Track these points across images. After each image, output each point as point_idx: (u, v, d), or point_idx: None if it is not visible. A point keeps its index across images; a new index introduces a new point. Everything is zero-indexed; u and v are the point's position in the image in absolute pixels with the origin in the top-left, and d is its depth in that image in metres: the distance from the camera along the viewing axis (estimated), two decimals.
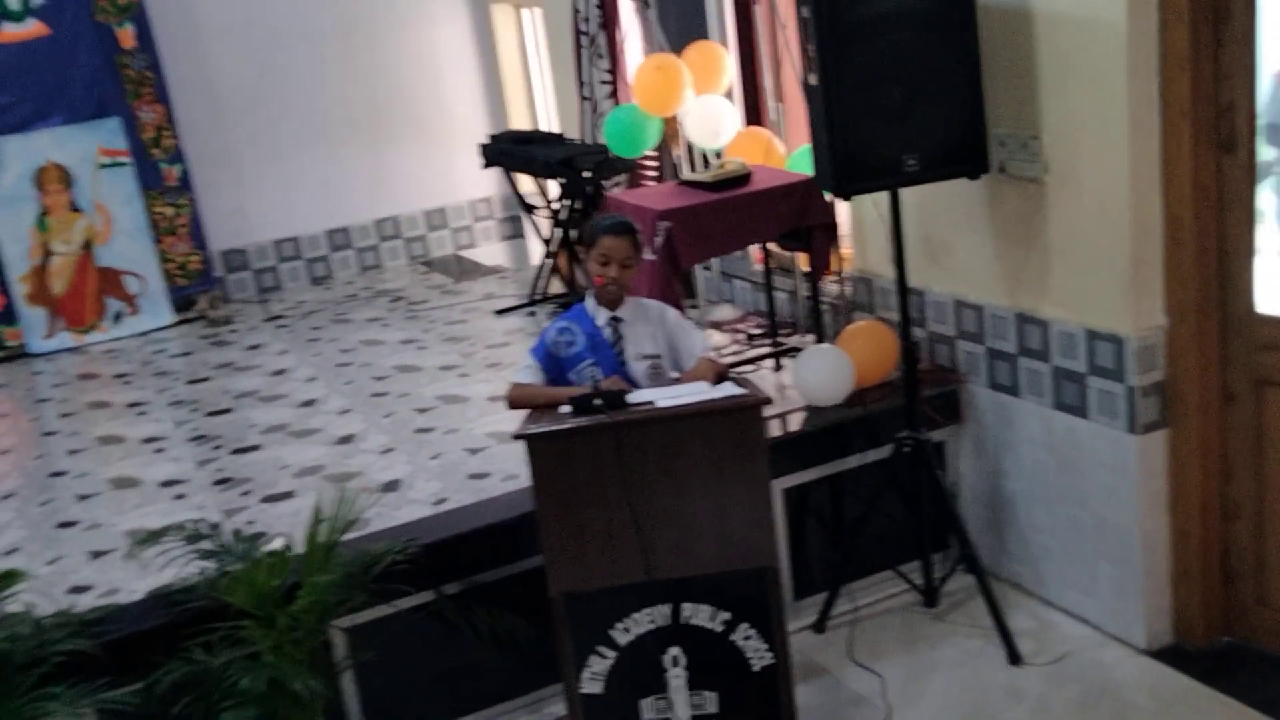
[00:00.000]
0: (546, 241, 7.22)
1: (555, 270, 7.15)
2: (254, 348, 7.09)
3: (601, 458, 3.30)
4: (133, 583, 3.97)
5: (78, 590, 4.08)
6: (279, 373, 6.48)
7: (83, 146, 7.57)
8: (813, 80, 4.04)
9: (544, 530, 3.38)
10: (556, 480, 3.34)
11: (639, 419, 3.31)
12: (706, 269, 6.43)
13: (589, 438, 3.30)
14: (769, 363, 5.46)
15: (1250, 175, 3.76)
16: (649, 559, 3.34)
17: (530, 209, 7.60)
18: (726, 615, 3.42)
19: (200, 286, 8.09)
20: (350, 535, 3.78)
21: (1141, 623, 4.23)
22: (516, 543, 4.08)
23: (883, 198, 4.28)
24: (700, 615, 3.42)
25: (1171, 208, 3.87)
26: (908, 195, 4.30)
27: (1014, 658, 4.25)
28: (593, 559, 3.37)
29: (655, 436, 3.32)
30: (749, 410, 3.34)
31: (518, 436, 3.35)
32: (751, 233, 5.06)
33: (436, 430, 5.27)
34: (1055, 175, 4.14)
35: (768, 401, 3.42)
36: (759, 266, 5.85)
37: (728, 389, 3.48)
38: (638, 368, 3.77)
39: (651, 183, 6.84)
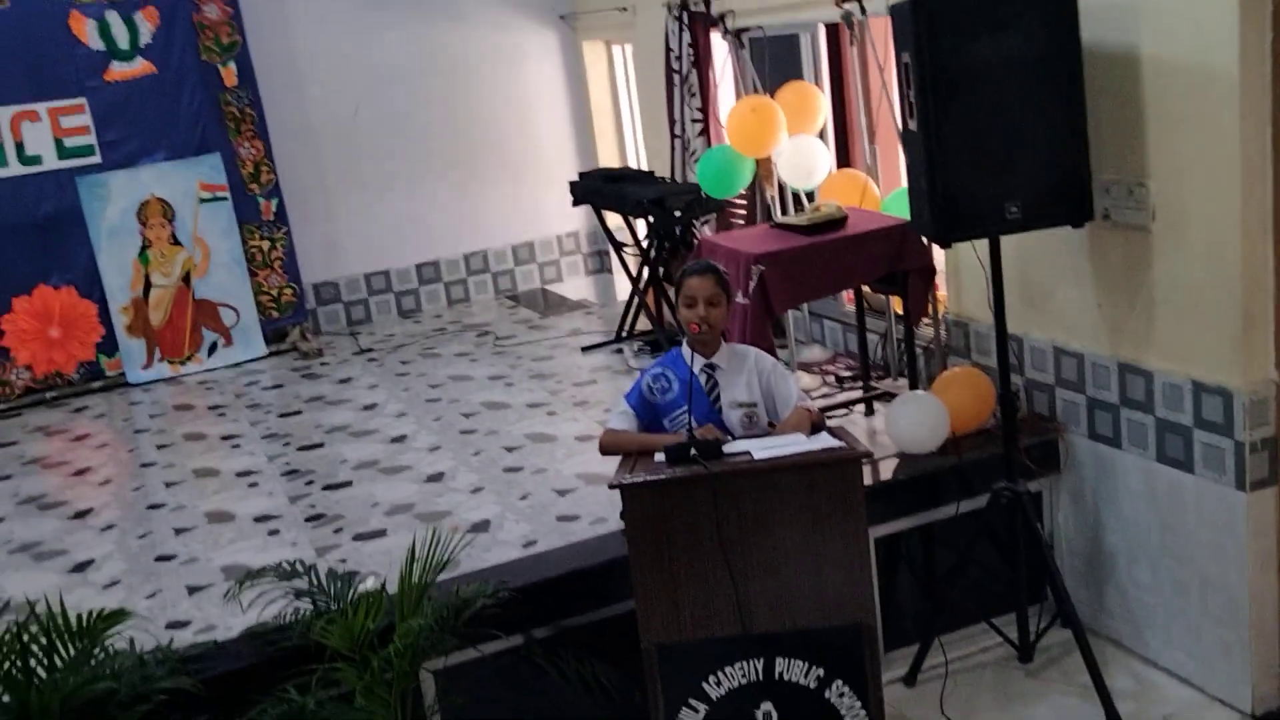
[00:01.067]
0: (634, 279, 7.22)
1: (642, 307, 7.15)
2: (344, 381, 7.18)
3: (697, 509, 3.28)
4: (229, 619, 4.02)
5: (176, 625, 4.14)
6: (369, 407, 6.55)
7: (184, 181, 7.76)
8: (913, 126, 4.00)
9: (637, 580, 3.35)
10: (651, 530, 3.32)
11: (735, 470, 3.28)
12: (797, 309, 6.38)
13: (685, 488, 3.28)
14: (860, 407, 5.39)
15: None
16: (743, 612, 3.31)
17: (619, 246, 7.61)
18: (820, 671, 3.37)
19: (293, 319, 8.23)
20: (441, 576, 3.79)
21: (1249, 685, 4.09)
22: (606, 588, 4.06)
23: (983, 243, 4.22)
24: (794, 671, 3.37)
25: None
26: (1008, 240, 4.23)
27: (1112, 717, 4.13)
28: (686, 610, 3.34)
29: (751, 488, 3.29)
30: (848, 464, 3.29)
31: (614, 486, 3.34)
32: (846, 277, 5.02)
33: (525, 470, 5.28)
34: (1162, 223, 4.04)
35: (868, 455, 3.39)
36: (850, 307, 5.79)
37: (824, 440, 3.44)
38: (733, 415, 3.75)
39: (741, 222, 6.81)
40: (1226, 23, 3.63)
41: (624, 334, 7.26)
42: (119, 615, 3.35)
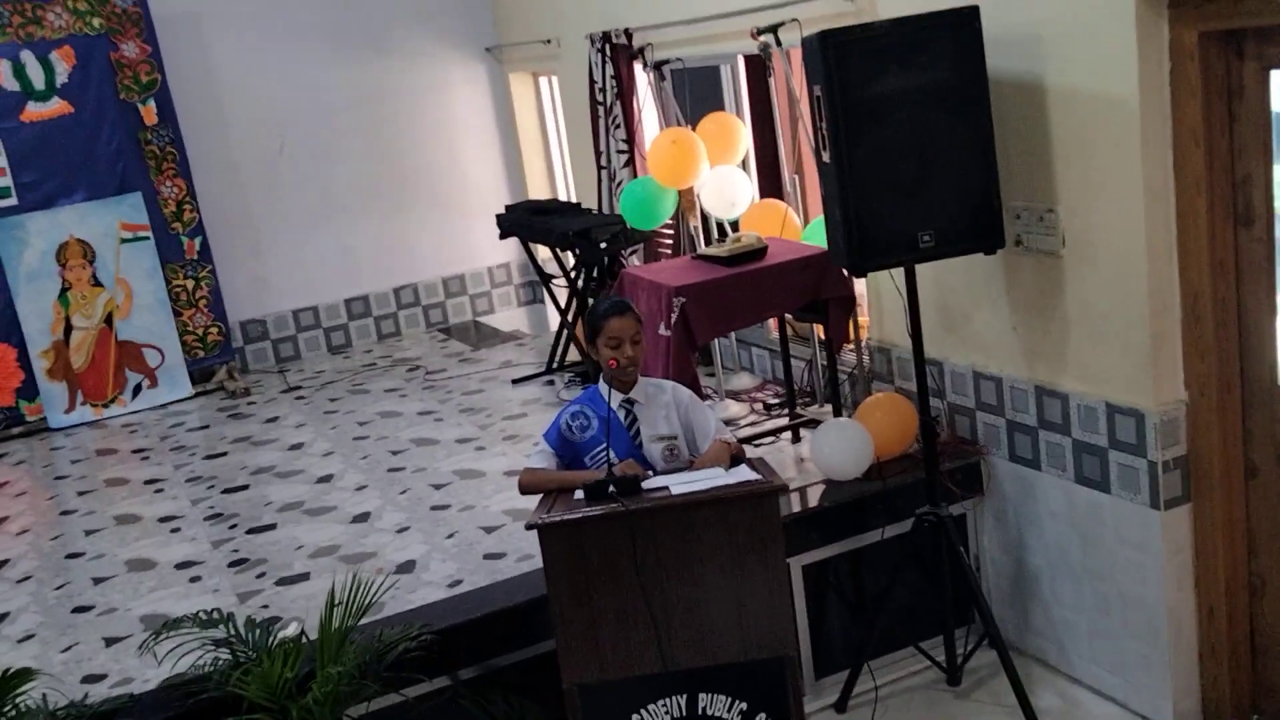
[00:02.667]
0: (563, 311, 7.22)
1: (572, 339, 7.14)
2: (271, 420, 7.09)
3: (616, 546, 3.26)
4: (146, 671, 3.93)
5: (92, 679, 4.05)
6: (296, 446, 6.47)
7: (105, 222, 7.65)
8: (826, 157, 4.04)
9: (557, 620, 3.33)
10: (570, 569, 3.30)
11: (653, 507, 3.27)
12: (724, 337, 6.40)
13: (602, 526, 3.26)
14: (787, 434, 5.42)
15: (1269, 248, 3.72)
16: (665, 649, 3.29)
17: (547, 279, 7.61)
18: (744, 705, 3.36)
19: (219, 358, 8.13)
20: (365, 620, 3.74)
21: (1169, 700, 4.15)
22: (533, 626, 4.03)
23: (900, 271, 4.26)
24: (717, 706, 3.36)
25: (1189, 281, 3.84)
26: (924, 266, 4.28)
27: None
28: (607, 649, 3.32)
29: (670, 524, 3.28)
30: (765, 497, 3.29)
31: (530, 526, 3.32)
32: (767, 307, 5.04)
33: (452, 507, 5.24)
34: (1072, 248, 4.11)
35: (784, 489, 3.39)
36: (776, 334, 5.82)
37: (743, 473, 3.44)
38: (654, 449, 3.75)
39: (667, 252, 6.84)
40: (1125, 52, 3.71)
41: (554, 365, 7.25)
42: (26, 674, 3.28)
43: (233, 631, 3.73)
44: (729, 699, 3.35)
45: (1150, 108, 3.72)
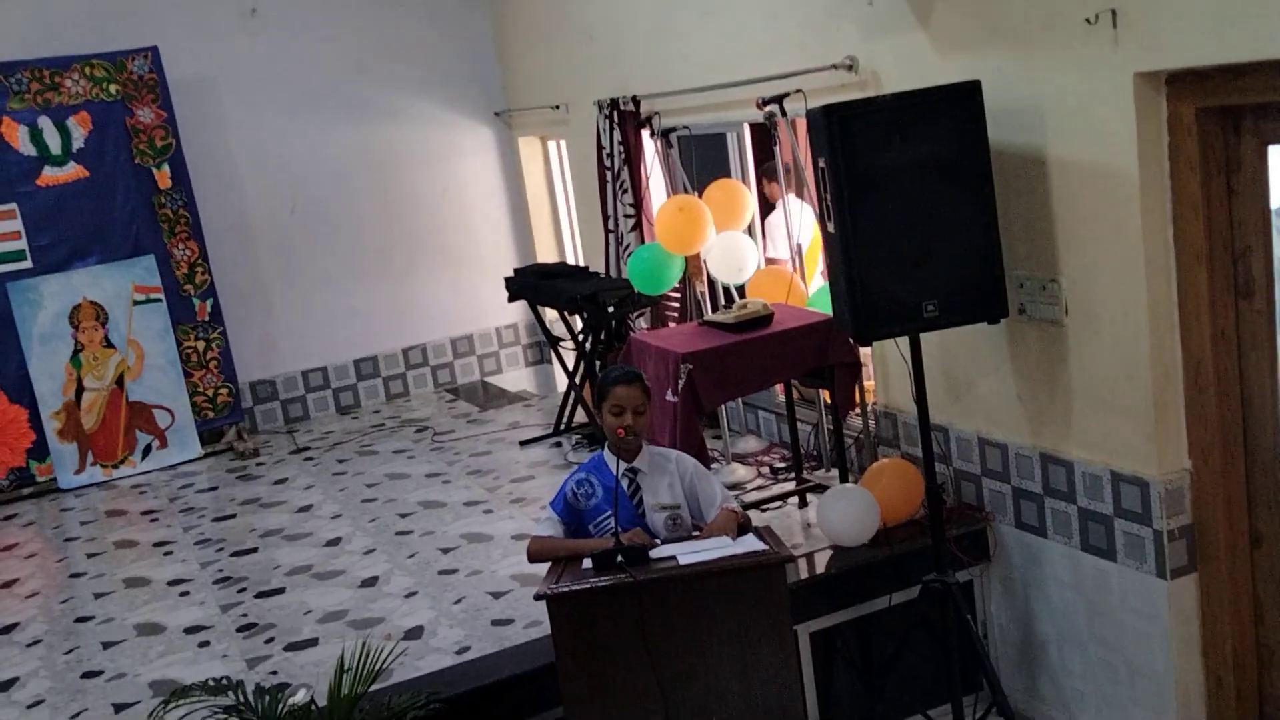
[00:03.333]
0: (570, 374, 7.27)
1: (579, 401, 7.18)
2: (280, 482, 7.12)
3: (624, 617, 3.28)
4: None
5: None
6: (304, 509, 6.49)
7: (117, 284, 7.73)
8: (831, 228, 4.10)
9: (566, 691, 3.35)
10: (578, 640, 3.32)
11: (661, 577, 3.29)
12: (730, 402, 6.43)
13: (611, 597, 3.29)
14: (794, 499, 5.44)
15: (1270, 319, 3.77)
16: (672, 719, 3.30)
17: (555, 341, 7.67)
18: None
19: (229, 419, 8.17)
20: (373, 687, 3.75)
21: None
22: (541, 694, 4.02)
23: (905, 339, 4.30)
24: None
25: (1192, 351, 3.88)
26: (929, 334, 4.32)
27: None
28: (615, 718, 3.33)
29: (678, 595, 3.31)
30: (773, 568, 3.31)
31: (539, 597, 3.34)
32: (774, 373, 5.08)
33: (460, 572, 5.25)
34: (1075, 318, 4.16)
35: (791, 559, 3.41)
36: (782, 398, 5.86)
37: (750, 543, 3.47)
38: (656, 519, 3.77)
39: (674, 315, 6.89)
40: (1124, 125, 3.78)
41: (562, 428, 7.28)
42: None
43: (241, 699, 3.73)
44: None
45: (1150, 180, 3.79)
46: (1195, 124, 3.70)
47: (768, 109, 5.32)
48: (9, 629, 5.30)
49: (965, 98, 3.95)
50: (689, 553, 3.41)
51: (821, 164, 4.07)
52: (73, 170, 7.63)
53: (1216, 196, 3.75)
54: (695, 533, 3.74)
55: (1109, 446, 4.13)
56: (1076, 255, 4.10)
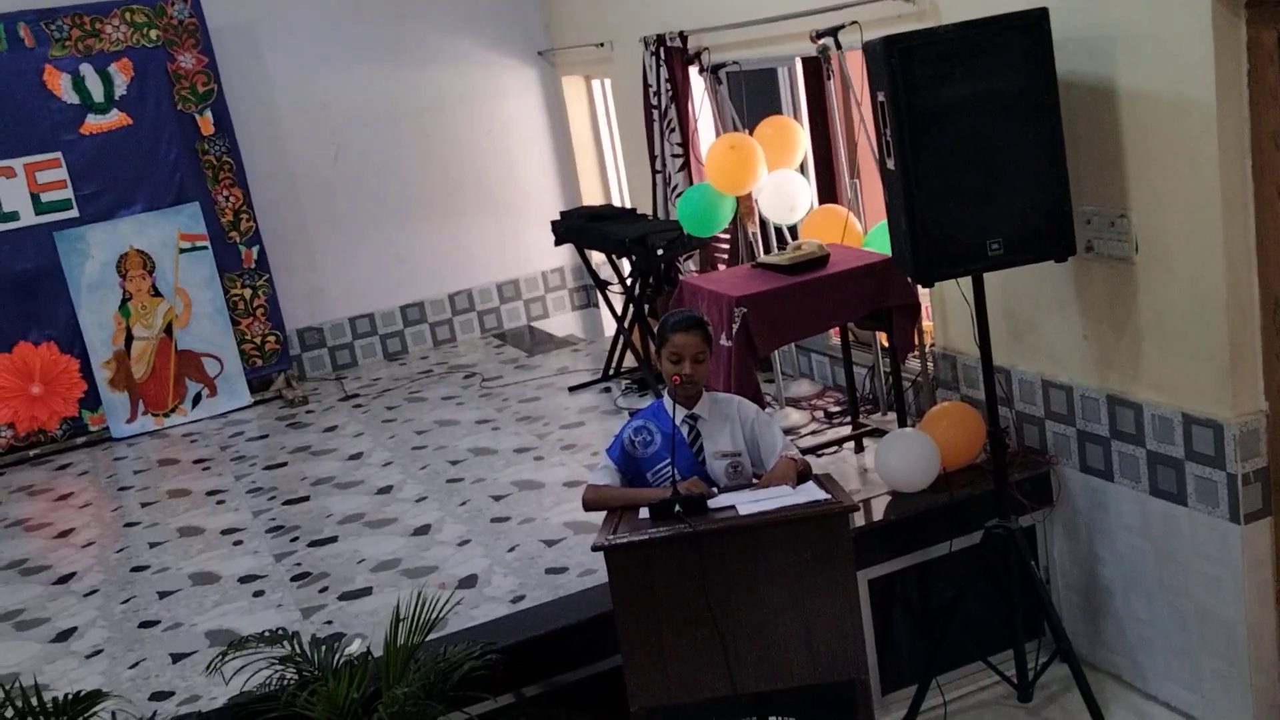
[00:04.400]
0: (619, 318, 7.18)
1: (628, 346, 7.10)
2: (330, 429, 7.11)
3: (683, 568, 3.22)
4: (213, 689, 3.94)
5: (159, 696, 4.06)
6: (355, 456, 6.48)
7: (163, 232, 7.71)
8: (891, 165, 3.96)
9: (624, 643, 3.29)
10: (637, 592, 3.26)
11: (721, 528, 3.21)
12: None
13: (670, 548, 3.22)
14: (850, 445, 5.34)
15: None
16: (733, 672, 3.24)
17: (603, 285, 7.57)
18: None
19: (277, 366, 8.17)
20: (428, 638, 3.72)
21: (1250, 718, 4.02)
22: (597, 643, 3.99)
23: (966, 279, 4.17)
24: None
25: (1270, 289, 3.73)
26: (992, 274, 4.18)
27: None
28: (675, 672, 3.28)
29: (738, 545, 3.23)
30: (835, 518, 3.23)
31: (597, 548, 3.28)
32: (830, 316, 4.97)
33: (512, 519, 5.21)
34: (1146, 255, 4.01)
35: (854, 508, 3.32)
36: (836, 340, 5.75)
37: (811, 491, 3.38)
38: (717, 466, 3.69)
39: (724, 259, 6.78)
40: (1202, 53, 3.60)
41: (611, 373, 7.21)
42: (95, 696, 3.29)
43: (298, 650, 3.72)
44: None
45: (1228, 110, 3.61)
46: (1277, 50, 3.52)
47: (821, 42, 5.16)
48: (67, 578, 5.34)
49: (1032, 26, 3.78)
50: (749, 502, 3.33)
51: (881, 98, 3.93)
52: (116, 118, 7.59)
53: None
54: (755, 480, 3.66)
55: (1180, 388, 4.00)
56: (1147, 190, 3.94)
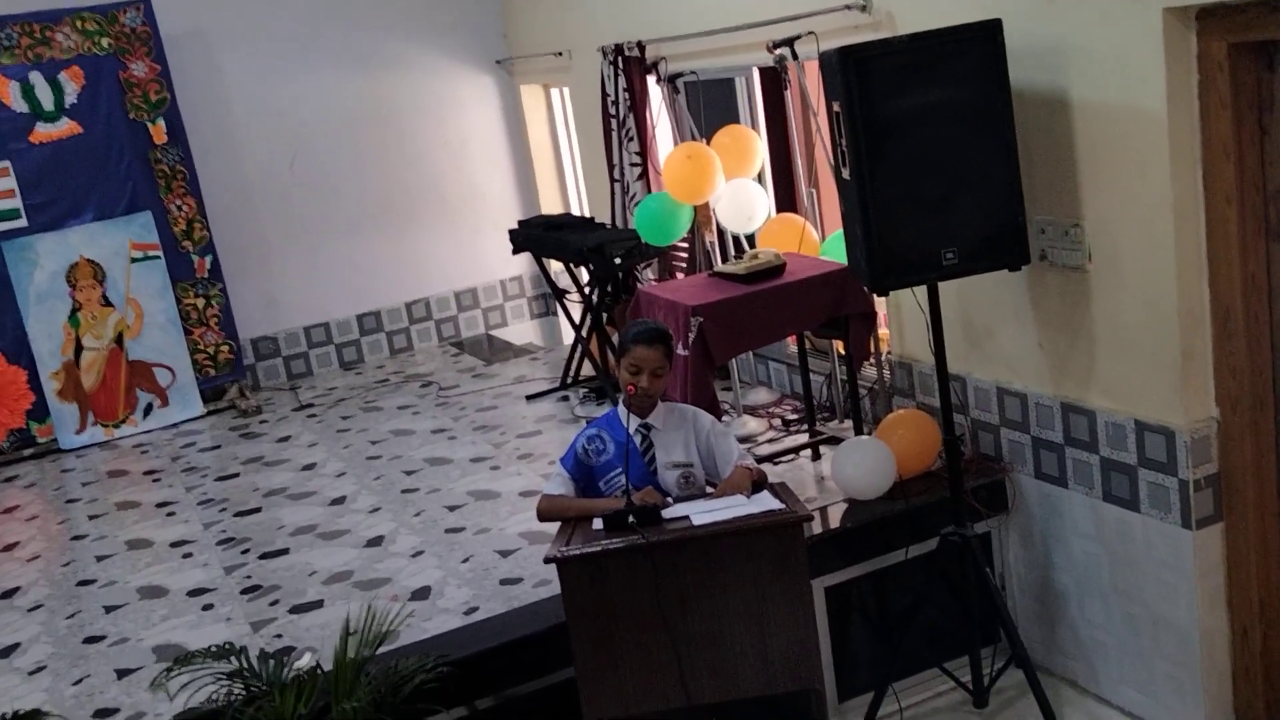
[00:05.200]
0: (577, 326, 7.15)
1: (586, 354, 7.07)
2: (284, 439, 7.03)
3: (636, 579, 3.19)
4: (159, 705, 3.86)
5: (103, 714, 3.98)
6: (308, 467, 6.40)
7: (115, 241, 7.60)
8: (846, 174, 3.96)
9: (578, 655, 3.26)
10: (590, 603, 3.23)
11: (674, 539, 3.19)
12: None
13: (623, 559, 3.19)
14: (807, 452, 5.34)
15: None
16: (688, 683, 3.22)
17: (561, 293, 7.54)
18: None
19: (230, 376, 8.08)
20: (380, 650, 3.67)
21: None
22: (551, 654, 3.94)
23: (921, 288, 4.18)
24: None
25: (1220, 298, 3.75)
26: (947, 282, 4.19)
27: None
28: (629, 684, 3.25)
29: (692, 555, 3.21)
30: (789, 528, 3.21)
31: (550, 560, 3.25)
32: (787, 325, 4.96)
33: (467, 530, 5.16)
34: (1099, 263, 4.03)
35: (808, 518, 3.30)
36: (794, 348, 5.75)
37: (765, 501, 3.37)
38: (668, 477, 3.67)
39: (683, 267, 6.76)
40: (1153, 64, 3.62)
41: (569, 381, 7.18)
42: (35, 716, 3.21)
43: (245, 664, 3.65)
44: None
45: (1179, 121, 3.64)
46: (1227, 60, 3.54)
47: (778, 52, 5.16)
48: (10, 593, 5.23)
49: (986, 37, 3.79)
50: (703, 512, 3.31)
51: (836, 108, 3.93)
52: (66, 126, 7.48)
53: (1248, 136, 3.60)
54: (709, 490, 3.64)
55: (1133, 395, 4.02)
56: (1100, 200, 3.96)
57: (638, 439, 3.65)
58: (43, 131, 7.43)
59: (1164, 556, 4.03)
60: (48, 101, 7.43)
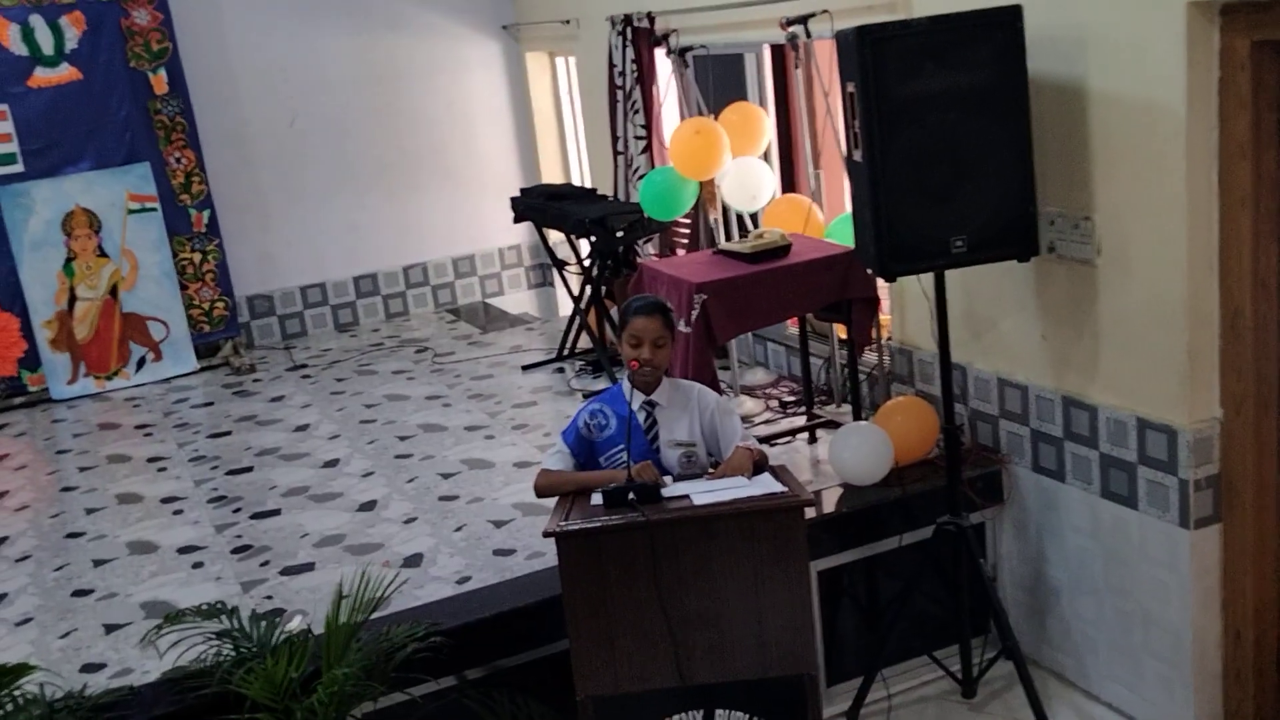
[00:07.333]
0: (575, 298, 7.11)
1: (584, 327, 7.04)
2: (277, 399, 6.99)
3: (634, 557, 3.17)
4: (146, 662, 3.85)
5: (91, 668, 3.96)
6: (302, 428, 6.37)
7: (112, 191, 7.53)
8: (857, 156, 3.92)
9: (573, 631, 3.24)
10: (587, 579, 3.21)
11: (674, 518, 3.17)
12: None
13: (622, 536, 3.17)
14: (804, 435, 5.32)
15: None
16: (681, 663, 3.20)
17: (560, 264, 7.50)
18: None
19: (225, 333, 8.03)
20: (371, 616, 3.65)
21: None
22: (542, 627, 3.93)
23: (928, 275, 4.15)
24: None
25: (1230, 298, 3.73)
26: (953, 270, 4.16)
27: None
28: (623, 661, 3.23)
29: (690, 535, 3.19)
30: (789, 511, 3.19)
31: (548, 534, 3.22)
32: (790, 306, 4.93)
33: (460, 498, 5.14)
34: (1108, 258, 4.00)
35: (809, 502, 3.28)
36: (794, 330, 5.72)
37: (766, 483, 3.34)
38: (671, 455, 3.65)
39: (684, 243, 6.72)
40: (1174, 59, 3.58)
41: (565, 353, 7.15)
42: (22, 670, 3.18)
43: (236, 625, 3.64)
44: (747, 716, 3.27)
45: (1197, 118, 3.60)
46: (1249, 58, 3.51)
47: (791, 29, 5.11)
48: None
49: (1005, 23, 3.75)
50: (703, 491, 3.29)
51: (850, 89, 3.88)
52: (66, 72, 7.40)
53: (1266, 136, 3.57)
54: (710, 470, 3.62)
55: (1137, 392, 4.00)
56: (1113, 194, 3.93)
57: (641, 416, 3.62)
58: (42, 76, 7.36)
59: (1160, 555, 4.03)
60: (48, 46, 7.35)
